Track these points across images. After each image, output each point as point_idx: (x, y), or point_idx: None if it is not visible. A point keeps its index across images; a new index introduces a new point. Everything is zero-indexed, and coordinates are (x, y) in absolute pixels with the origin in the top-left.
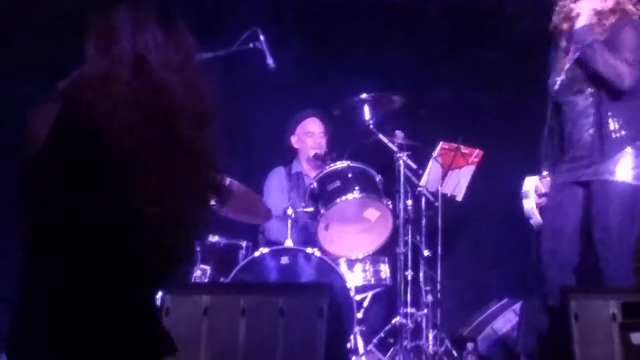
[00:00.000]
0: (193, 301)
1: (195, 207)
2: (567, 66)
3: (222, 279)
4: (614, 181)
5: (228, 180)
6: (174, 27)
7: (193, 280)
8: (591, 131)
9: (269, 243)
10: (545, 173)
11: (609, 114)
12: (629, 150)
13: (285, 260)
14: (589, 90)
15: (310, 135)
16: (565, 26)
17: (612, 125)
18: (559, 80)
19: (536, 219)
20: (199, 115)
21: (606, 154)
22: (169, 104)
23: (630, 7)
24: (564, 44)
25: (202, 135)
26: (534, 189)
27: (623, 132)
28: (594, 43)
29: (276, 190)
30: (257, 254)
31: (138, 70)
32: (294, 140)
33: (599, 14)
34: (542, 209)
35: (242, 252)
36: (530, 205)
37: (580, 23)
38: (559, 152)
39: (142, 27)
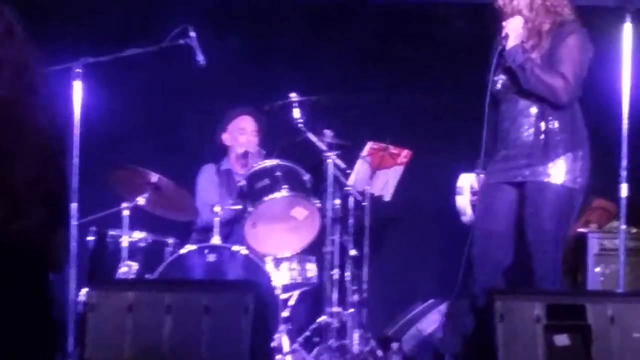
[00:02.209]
0: (118, 297)
1: None
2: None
3: (147, 276)
4: (549, 183)
5: (157, 177)
6: None
7: (118, 276)
8: (530, 131)
9: (198, 230)
10: (479, 170)
11: (550, 117)
12: (566, 153)
13: (211, 257)
14: (530, 92)
15: (242, 132)
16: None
17: (552, 127)
18: (501, 79)
19: (468, 216)
20: (24, 85)
21: (544, 155)
22: None
23: (564, 10)
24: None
25: (31, 105)
26: (468, 186)
27: (561, 136)
28: (525, 63)
29: (207, 186)
30: (183, 251)
31: None
32: (224, 137)
33: (533, 25)
34: (474, 207)
35: (169, 249)
36: (463, 201)
37: (509, 44)
38: (494, 149)
39: None
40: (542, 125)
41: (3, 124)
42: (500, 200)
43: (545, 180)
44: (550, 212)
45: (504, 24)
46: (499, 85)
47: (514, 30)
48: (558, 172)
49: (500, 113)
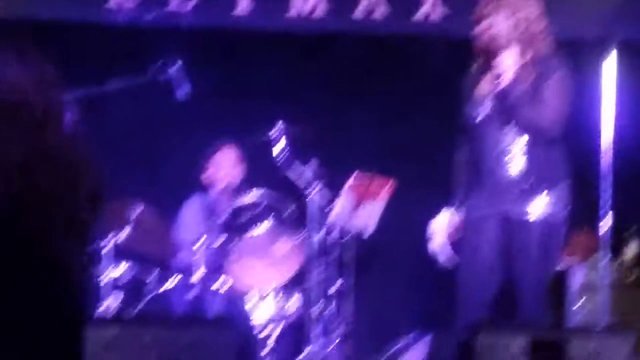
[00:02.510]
0: (97, 334)
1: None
2: (489, 97)
3: (128, 312)
4: (536, 217)
5: (139, 210)
6: (26, 56)
7: (98, 312)
8: (516, 167)
9: (179, 270)
10: (454, 207)
11: (534, 153)
12: (551, 188)
13: (193, 292)
14: (513, 127)
15: (223, 166)
16: (485, 51)
17: (538, 163)
18: (481, 111)
19: (444, 255)
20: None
21: (530, 191)
22: (31, 114)
23: (545, 42)
24: (481, 70)
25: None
26: (440, 229)
27: (546, 171)
28: (516, 101)
29: (191, 220)
30: (164, 287)
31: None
32: (207, 171)
33: (522, 59)
34: (456, 243)
35: (150, 284)
36: (435, 246)
37: (504, 81)
38: (474, 184)
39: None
40: (527, 161)
41: (65, 167)
42: (484, 235)
43: (534, 214)
44: (538, 246)
45: (498, 60)
46: (480, 118)
47: (509, 67)
48: (545, 206)
49: (482, 149)
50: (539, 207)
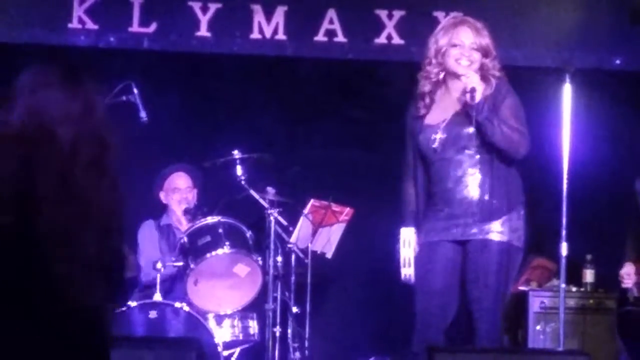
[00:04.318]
0: None
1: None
2: (445, 123)
3: None
4: (495, 241)
5: None
6: (75, 84)
7: None
8: (476, 191)
9: (141, 287)
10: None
11: (495, 175)
12: (510, 212)
13: (153, 314)
14: (474, 149)
15: (176, 190)
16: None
17: (497, 186)
18: (437, 137)
19: (409, 270)
20: (96, 162)
21: (489, 214)
22: (59, 153)
23: (495, 72)
24: (427, 100)
25: (99, 183)
26: (413, 240)
27: (506, 194)
28: (493, 118)
29: (148, 242)
30: (124, 308)
31: (31, 124)
32: (162, 195)
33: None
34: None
35: None
36: (408, 254)
37: (477, 97)
38: (430, 208)
39: (40, 87)
40: (488, 184)
41: (73, 203)
42: (441, 259)
43: (492, 238)
44: (495, 269)
45: (464, 79)
46: (436, 144)
47: (478, 84)
48: (504, 230)
49: (439, 172)
50: (499, 230)
